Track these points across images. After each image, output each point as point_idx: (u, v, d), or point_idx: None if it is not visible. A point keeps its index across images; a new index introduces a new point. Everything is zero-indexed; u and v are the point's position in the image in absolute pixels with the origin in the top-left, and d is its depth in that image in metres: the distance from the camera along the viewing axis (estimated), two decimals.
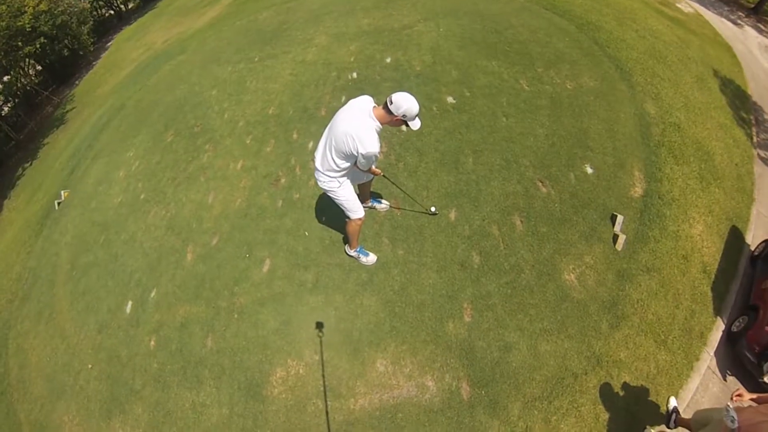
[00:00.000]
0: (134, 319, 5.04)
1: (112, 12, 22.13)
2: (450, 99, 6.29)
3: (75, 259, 6.39)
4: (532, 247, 4.58)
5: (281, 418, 3.81)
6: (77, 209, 7.50)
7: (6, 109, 15.50)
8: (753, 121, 7.59)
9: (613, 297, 4.30)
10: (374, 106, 3.25)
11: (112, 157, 8.32)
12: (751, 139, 7.07)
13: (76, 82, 16.25)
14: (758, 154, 6.89)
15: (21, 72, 15.61)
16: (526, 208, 4.89)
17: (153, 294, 5.15)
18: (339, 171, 3.54)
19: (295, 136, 6.40)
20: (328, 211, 5.02)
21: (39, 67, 17.03)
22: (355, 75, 7.27)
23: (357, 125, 3.19)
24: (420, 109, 3.15)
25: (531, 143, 5.57)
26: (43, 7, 14.46)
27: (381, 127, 3.26)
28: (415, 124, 3.27)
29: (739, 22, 12.35)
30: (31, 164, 11.84)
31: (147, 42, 15.64)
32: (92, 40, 17.66)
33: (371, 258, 4.51)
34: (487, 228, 4.72)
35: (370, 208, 4.89)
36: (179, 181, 6.56)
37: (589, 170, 5.33)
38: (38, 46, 14.50)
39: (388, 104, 3.12)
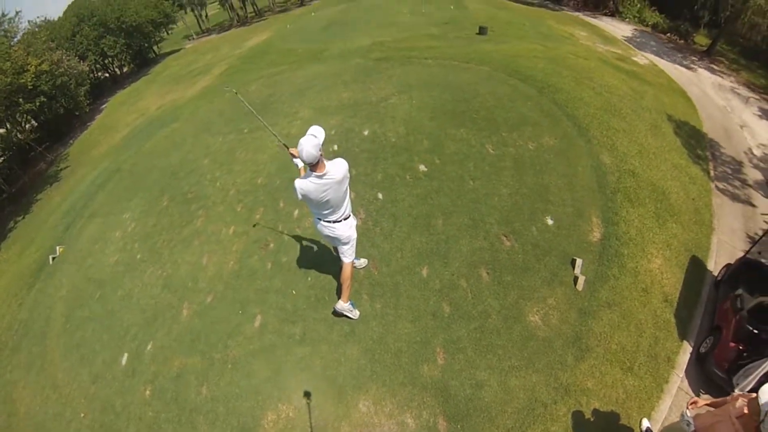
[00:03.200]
0: (130, 371, 5.29)
1: (107, 74, 23.28)
2: (422, 167, 6.88)
3: (70, 313, 6.65)
4: (498, 294, 5.06)
5: None
6: (73, 265, 7.80)
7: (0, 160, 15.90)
8: (710, 157, 8.15)
9: (577, 332, 4.73)
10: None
11: (108, 217, 8.74)
12: (708, 173, 7.59)
13: (71, 141, 16.80)
14: (716, 186, 7.35)
15: (18, 126, 16.18)
16: (491, 260, 5.42)
17: (149, 347, 5.44)
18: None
19: (281, 204, 6.94)
20: (313, 272, 5.56)
21: (35, 123, 17.65)
22: (335, 147, 7.90)
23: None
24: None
25: (496, 202, 6.18)
26: (44, 67, 15.34)
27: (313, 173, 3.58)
28: (298, 163, 3.92)
29: (692, 66, 13.22)
30: (23, 218, 12.09)
31: (141, 107, 16.42)
32: (88, 101, 18.49)
33: (357, 312, 4.97)
34: (456, 281, 5.23)
35: None
36: (174, 243, 6.98)
37: (550, 221, 5.89)
38: (38, 104, 15.24)
39: None
